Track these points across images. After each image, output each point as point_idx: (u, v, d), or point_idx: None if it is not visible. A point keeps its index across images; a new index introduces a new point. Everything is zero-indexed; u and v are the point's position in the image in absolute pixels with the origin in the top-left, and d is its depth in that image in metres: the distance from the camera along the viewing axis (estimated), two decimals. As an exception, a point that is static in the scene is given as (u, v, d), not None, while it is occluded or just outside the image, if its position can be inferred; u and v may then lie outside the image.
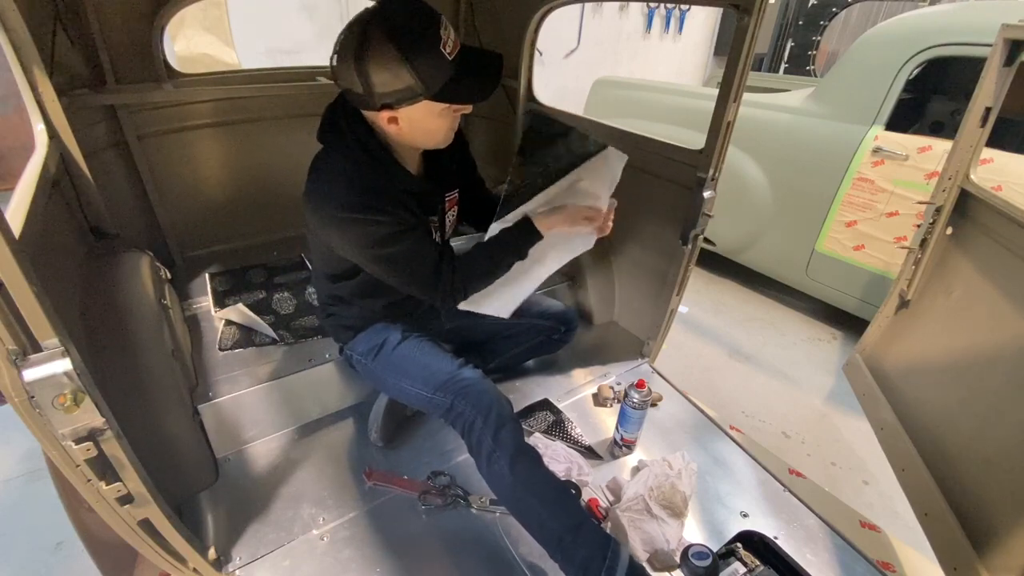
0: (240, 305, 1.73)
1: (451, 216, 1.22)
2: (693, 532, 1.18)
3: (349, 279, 1.16)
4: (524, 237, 1.11)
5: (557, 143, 1.13)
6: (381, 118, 0.93)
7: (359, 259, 1.04)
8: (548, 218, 1.11)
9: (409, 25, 0.85)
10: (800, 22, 5.19)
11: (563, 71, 4.81)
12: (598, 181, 1.17)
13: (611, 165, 1.17)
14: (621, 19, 5.06)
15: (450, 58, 0.89)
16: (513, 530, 1.12)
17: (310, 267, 2.02)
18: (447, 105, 0.94)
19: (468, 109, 0.99)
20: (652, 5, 5.03)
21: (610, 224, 1.20)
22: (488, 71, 0.95)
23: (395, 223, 0.98)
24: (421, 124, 0.96)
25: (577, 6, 4.66)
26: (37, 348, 0.62)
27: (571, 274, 1.95)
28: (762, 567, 1.11)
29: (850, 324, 2.55)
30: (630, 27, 5.15)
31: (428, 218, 1.12)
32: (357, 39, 0.85)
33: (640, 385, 1.30)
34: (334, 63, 0.90)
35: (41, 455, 0.75)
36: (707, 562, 1.02)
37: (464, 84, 0.92)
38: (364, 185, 0.96)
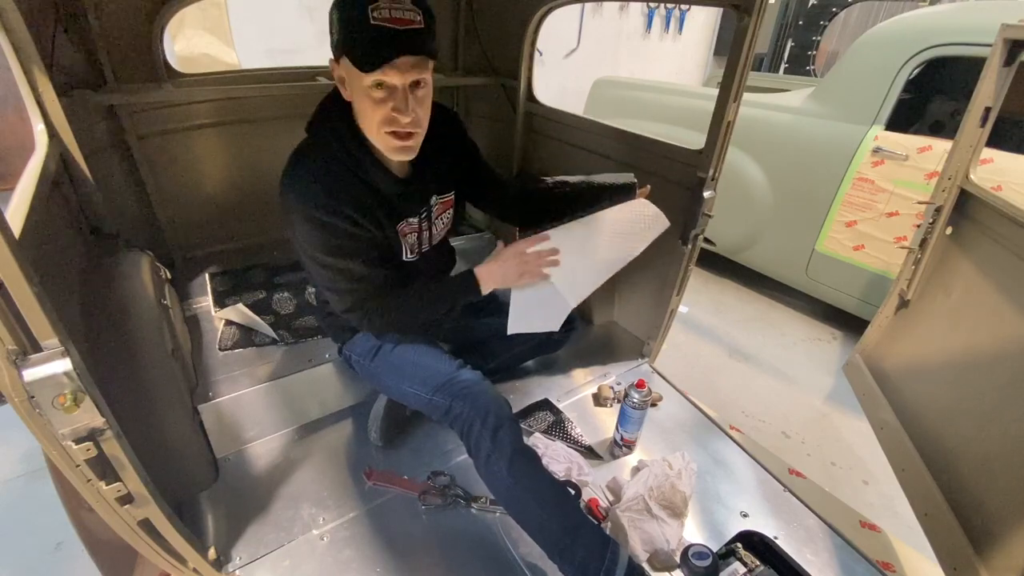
0: (240, 305, 1.73)
1: (444, 220, 1.20)
2: (693, 532, 1.18)
3: None
4: (461, 291, 1.13)
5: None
6: (337, 76, 0.93)
7: (301, 254, 1.04)
8: (487, 269, 1.12)
9: None
10: (800, 22, 5.20)
11: (563, 71, 4.81)
12: (632, 236, 1.23)
13: (653, 227, 1.23)
14: (621, 19, 5.06)
15: (373, 22, 0.82)
16: (513, 530, 1.11)
17: (310, 267, 2.02)
18: (368, 83, 0.87)
19: (402, 117, 0.90)
20: (652, 5, 5.03)
21: None
22: (395, 42, 0.84)
23: (348, 235, 0.97)
24: (358, 101, 0.93)
25: (577, 6, 4.66)
26: (37, 348, 0.62)
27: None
28: (762, 567, 1.11)
29: (850, 324, 2.55)
30: (630, 27, 5.15)
31: (405, 220, 1.09)
32: None
33: (640, 385, 1.30)
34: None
35: (41, 455, 0.74)
36: (707, 562, 1.02)
37: (371, 49, 0.84)
38: (332, 186, 0.95)
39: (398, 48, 0.85)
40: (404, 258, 1.15)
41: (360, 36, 0.84)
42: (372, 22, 0.82)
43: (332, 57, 0.93)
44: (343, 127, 0.97)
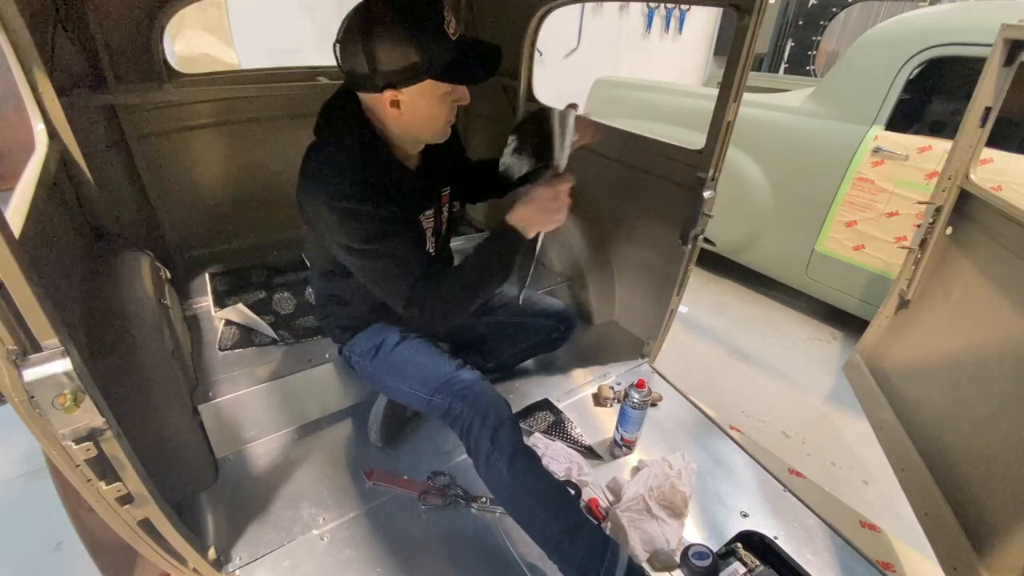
0: (240, 305, 1.73)
1: (446, 212, 1.22)
2: (693, 532, 1.18)
3: (346, 276, 1.15)
4: (509, 246, 1.03)
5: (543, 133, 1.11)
6: (383, 101, 0.92)
7: (343, 253, 1.02)
8: (521, 215, 1.03)
9: (415, 5, 0.88)
10: (800, 22, 5.20)
11: (563, 71, 4.81)
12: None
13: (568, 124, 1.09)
14: (621, 19, 5.05)
15: (453, 39, 0.90)
16: (513, 530, 1.11)
17: (309, 267, 2.02)
18: (447, 91, 0.94)
19: (466, 99, 0.98)
20: (652, 5, 5.03)
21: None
22: (487, 57, 0.95)
23: (383, 220, 0.97)
24: (421, 109, 0.95)
25: (577, 6, 4.66)
26: (37, 348, 0.62)
27: (571, 274, 1.95)
28: (762, 567, 1.11)
29: (850, 324, 2.55)
30: (630, 27, 5.15)
31: (423, 213, 1.12)
32: (363, 18, 0.87)
33: (640, 385, 1.30)
34: (338, 46, 0.91)
35: (41, 455, 0.75)
36: (707, 562, 1.02)
37: (465, 65, 0.92)
38: (357, 176, 0.96)
39: (493, 59, 0.95)
40: (428, 250, 1.16)
41: (448, 54, 0.89)
42: (453, 38, 0.90)
43: (387, 86, 0.90)
44: (362, 129, 0.98)
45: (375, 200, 0.95)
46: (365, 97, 0.96)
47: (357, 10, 0.88)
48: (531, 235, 1.03)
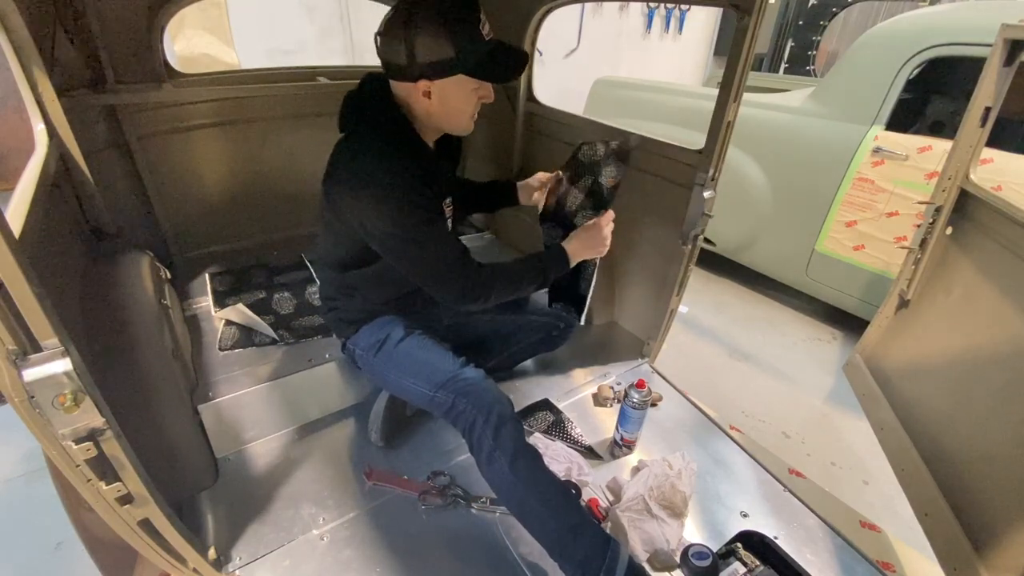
0: (240, 305, 1.74)
1: (456, 204, 1.26)
2: (693, 532, 1.18)
3: (361, 267, 1.16)
4: (554, 263, 1.19)
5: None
6: (416, 90, 0.99)
7: (386, 240, 1.02)
8: (573, 246, 1.20)
9: (454, 5, 0.94)
10: (800, 22, 5.20)
11: (563, 71, 4.81)
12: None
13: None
14: (621, 19, 5.06)
15: (486, 39, 0.98)
16: (513, 530, 1.12)
17: (310, 267, 2.02)
18: (475, 87, 1.01)
19: (490, 98, 1.05)
20: (652, 5, 5.03)
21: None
22: (515, 60, 1.03)
23: (427, 205, 1.01)
24: (450, 102, 1.01)
25: (577, 6, 4.66)
26: (37, 348, 0.62)
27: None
28: (762, 567, 1.11)
29: (850, 324, 2.55)
30: (630, 27, 5.15)
31: (445, 200, 1.16)
32: (406, 13, 0.93)
33: (640, 385, 1.30)
34: (379, 37, 0.97)
35: (41, 455, 0.74)
36: (707, 562, 1.02)
37: (495, 65, 0.99)
38: (399, 162, 0.99)
39: (520, 62, 1.03)
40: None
41: (481, 53, 0.96)
42: (487, 37, 0.97)
43: (421, 76, 0.96)
44: (390, 113, 1.03)
45: (419, 186, 0.99)
46: (398, 86, 1.02)
47: (400, 6, 0.94)
48: (575, 262, 1.21)
